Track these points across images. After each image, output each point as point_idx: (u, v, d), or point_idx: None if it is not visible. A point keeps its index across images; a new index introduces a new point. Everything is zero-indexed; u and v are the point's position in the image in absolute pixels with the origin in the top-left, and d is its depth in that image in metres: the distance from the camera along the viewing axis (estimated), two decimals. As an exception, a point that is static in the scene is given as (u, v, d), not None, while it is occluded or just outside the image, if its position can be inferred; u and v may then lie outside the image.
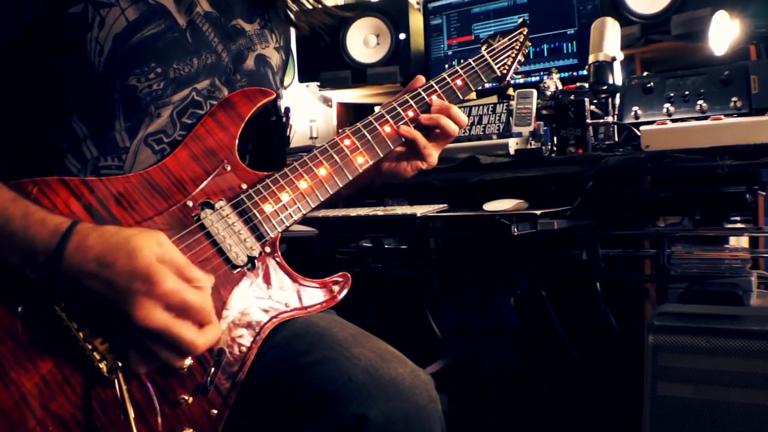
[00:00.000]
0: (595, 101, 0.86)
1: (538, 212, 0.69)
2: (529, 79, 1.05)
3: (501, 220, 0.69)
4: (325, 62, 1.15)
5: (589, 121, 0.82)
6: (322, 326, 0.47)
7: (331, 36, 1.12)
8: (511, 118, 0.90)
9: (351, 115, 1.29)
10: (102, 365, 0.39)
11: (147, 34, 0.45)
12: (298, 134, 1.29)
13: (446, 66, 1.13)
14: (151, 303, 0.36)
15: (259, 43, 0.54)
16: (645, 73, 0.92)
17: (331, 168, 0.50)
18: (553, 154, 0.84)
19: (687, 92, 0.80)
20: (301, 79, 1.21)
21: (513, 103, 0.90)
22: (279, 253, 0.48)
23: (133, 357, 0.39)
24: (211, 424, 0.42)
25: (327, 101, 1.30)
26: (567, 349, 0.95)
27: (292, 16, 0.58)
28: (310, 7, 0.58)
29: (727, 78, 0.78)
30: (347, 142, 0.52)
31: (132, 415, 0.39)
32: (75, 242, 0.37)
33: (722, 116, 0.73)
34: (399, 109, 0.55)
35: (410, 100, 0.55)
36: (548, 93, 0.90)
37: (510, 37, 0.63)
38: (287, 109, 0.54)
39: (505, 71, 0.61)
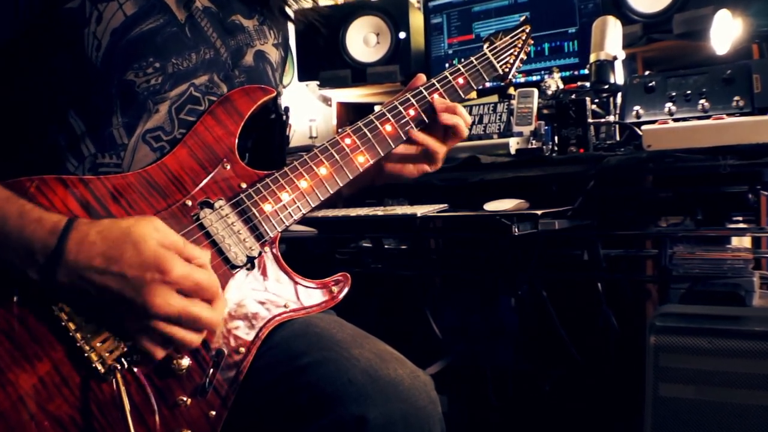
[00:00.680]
0: (596, 100, 0.86)
1: (539, 212, 0.69)
2: (530, 78, 1.05)
3: (502, 220, 0.69)
4: (324, 61, 1.15)
5: (590, 120, 0.82)
6: (321, 327, 0.47)
7: (329, 32, 1.11)
8: (511, 118, 0.90)
9: (351, 114, 1.28)
10: (100, 366, 0.39)
11: (145, 29, 0.45)
12: (298, 133, 1.28)
13: (446, 65, 1.12)
14: (166, 289, 0.37)
15: (258, 39, 0.54)
16: (647, 72, 0.92)
17: (332, 167, 0.50)
18: (554, 154, 0.83)
19: (689, 91, 0.80)
20: (301, 78, 1.21)
21: (514, 102, 0.89)
22: (278, 253, 0.48)
23: (147, 345, 0.39)
24: (210, 426, 0.42)
25: (327, 100, 1.30)
26: (568, 350, 0.95)
27: (290, 12, 0.58)
28: (307, 5, 0.58)
29: (729, 77, 0.78)
30: (348, 140, 0.51)
31: (130, 416, 0.39)
32: (75, 240, 0.37)
33: (724, 115, 0.73)
34: (400, 108, 0.54)
35: (412, 99, 0.55)
36: (549, 92, 0.90)
37: (512, 35, 0.62)
38: (287, 108, 0.54)
39: (507, 69, 0.61)
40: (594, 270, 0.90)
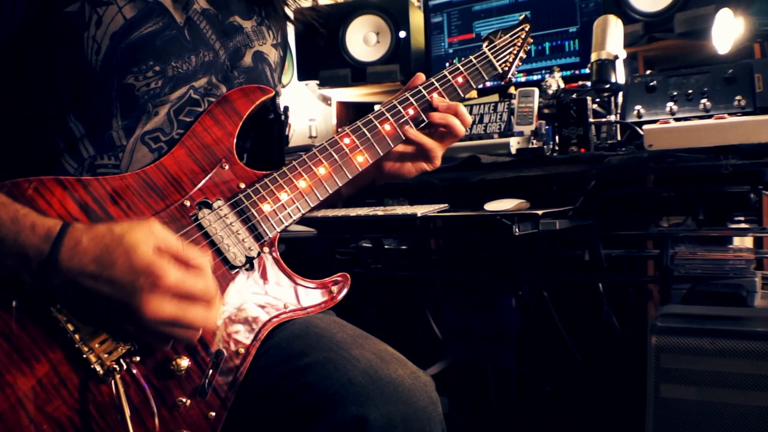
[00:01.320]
0: (597, 100, 0.85)
1: (539, 212, 0.69)
2: (530, 77, 1.05)
3: (502, 221, 0.68)
4: (324, 60, 1.14)
5: (591, 120, 0.81)
6: (321, 327, 0.47)
7: (329, 31, 1.11)
8: (512, 117, 0.89)
9: (350, 113, 1.28)
10: (99, 367, 0.39)
11: (144, 32, 0.45)
12: (297, 133, 1.28)
13: (447, 64, 1.11)
14: (158, 296, 0.37)
15: (256, 39, 0.54)
16: (648, 72, 0.92)
17: (331, 167, 0.50)
18: (555, 154, 0.83)
19: (690, 91, 0.80)
20: (301, 78, 1.21)
21: (514, 101, 0.89)
22: (277, 254, 0.47)
23: (148, 343, 0.39)
24: (209, 427, 0.42)
25: (326, 100, 1.30)
26: (569, 351, 0.95)
27: (289, 12, 0.57)
28: (307, 4, 0.58)
29: (731, 76, 0.78)
30: (347, 140, 0.51)
31: (129, 418, 0.39)
32: (68, 246, 0.37)
33: (726, 115, 0.72)
34: (399, 107, 0.54)
35: (411, 98, 0.55)
36: (550, 91, 0.89)
37: (512, 33, 0.62)
38: (286, 108, 0.54)
39: (506, 68, 0.61)
40: (595, 270, 0.90)
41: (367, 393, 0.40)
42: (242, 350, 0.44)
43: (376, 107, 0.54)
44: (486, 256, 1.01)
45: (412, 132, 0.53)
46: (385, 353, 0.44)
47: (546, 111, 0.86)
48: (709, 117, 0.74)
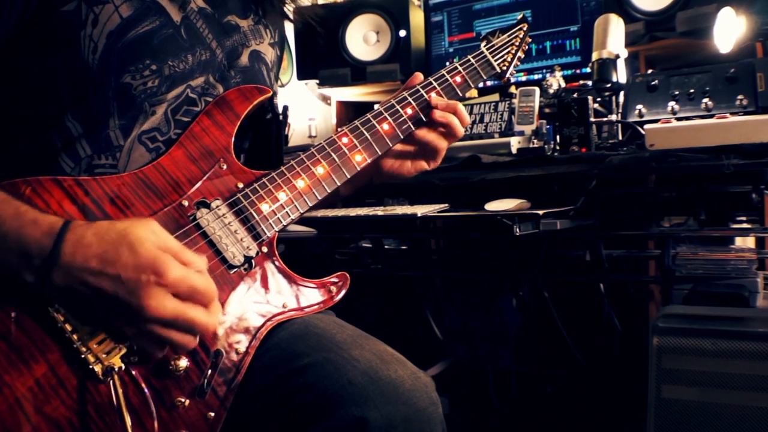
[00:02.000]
0: (598, 99, 0.85)
1: (540, 212, 0.68)
2: (531, 76, 1.04)
3: (503, 221, 0.68)
4: (324, 60, 1.14)
5: (592, 119, 0.81)
6: (320, 327, 0.47)
7: (326, 29, 1.11)
8: (513, 117, 0.89)
9: (350, 113, 1.28)
10: (97, 368, 0.39)
11: (141, 31, 0.45)
12: (297, 133, 1.28)
13: (447, 63, 1.11)
14: (161, 292, 0.36)
15: (253, 38, 0.53)
16: (649, 71, 0.91)
17: (329, 166, 0.50)
18: (555, 153, 0.83)
19: (692, 90, 0.79)
20: (300, 77, 1.20)
21: (515, 101, 0.89)
22: (276, 253, 0.47)
23: (143, 346, 0.39)
24: (209, 427, 0.42)
25: (326, 99, 1.30)
26: (570, 351, 0.95)
27: (287, 11, 0.57)
28: (306, 2, 0.57)
29: (732, 76, 0.78)
30: (345, 140, 0.51)
31: (128, 419, 0.38)
32: (71, 242, 0.37)
33: (728, 114, 0.72)
34: (397, 107, 0.54)
35: (409, 98, 0.55)
36: (551, 91, 0.89)
37: (510, 33, 0.62)
38: (285, 107, 0.54)
39: (504, 68, 0.61)
40: (596, 270, 0.89)
41: (367, 394, 0.40)
42: (241, 350, 0.44)
43: (375, 107, 0.54)
44: (486, 256, 1.01)
45: (416, 132, 0.53)
46: (385, 354, 0.44)
47: (547, 110, 0.86)
48: (711, 116, 0.74)
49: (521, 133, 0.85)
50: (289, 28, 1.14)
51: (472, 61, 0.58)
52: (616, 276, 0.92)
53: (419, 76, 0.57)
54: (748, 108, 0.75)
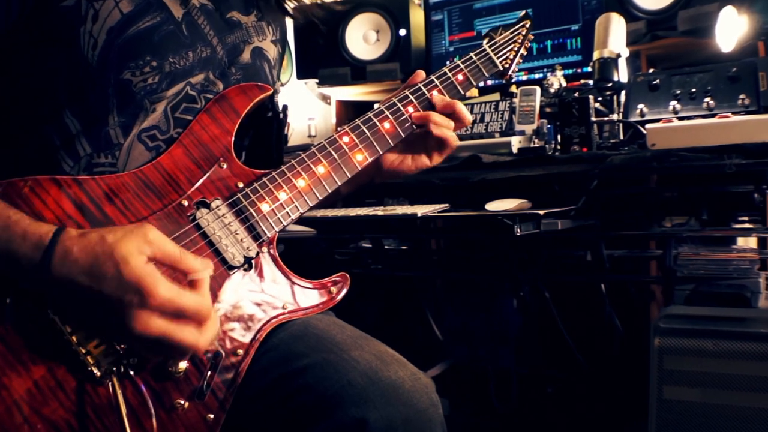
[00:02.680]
0: (599, 99, 0.85)
1: (541, 212, 0.68)
2: (532, 76, 1.04)
3: (504, 221, 0.68)
4: (323, 59, 1.14)
5: (593, 119, 0.80)
6: (320, 328, 0.46)
7: (329, 29, 1.10)
8: (513, 116, 0.89)
9: (350, 112, 1.27)
10: (96, 369, 0.39)
11: (142, 27, 0.44)
12: (296, 132, 1.28)
13: (447, 63, 1.11)
14: (146, 314, 0.35)
15: (256, 35, 0.53)
16: (651, 70, 0.91)
17: (330, 166, 0.49)
18: (556, 153, 0.82)
19: (694, 89, 0.79)
20: (300, 76, 1.20)
21: (516, 100, 0.88)
22: (276, 254, 0.47)
23: (138, 354, 0.39)
24: (208, 429, 0.42)
25: (326, 98, 1.29)
26: (571, 352, 0.94)
27: (288, 7, 0.57)
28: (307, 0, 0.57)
29: (734, 75, 0.77)
30: (346, 139, 0.51)
31: (127, 420, 0.38)
32: (60, 255, 0.36)
33: (730, 114, 0.72)
34: (399, 105, 0.54)
35: (410, 96, 0.54)
36: (552, 90, 0.89)
37: (512, 30, 0.61)
38: (285, 107, 0.53)
39: (507, 65, 0.60)
40: (597, 271, 0.89)
41: (366, 395, 0.40)
42: (241, 351, 0.44)
43: (376, 105, 0.54)
44: (486, 257, 1.01)
45: (433, 115, 0.52)
46: (385, 354, 0.44)
47: (548, 110, 0.85)
48: (713, 116, 0.73)
49: (522, 133, 0.85)
50: (289, 28, 1.13)
51: (475, 58, 0.58)
52: (618, 276, 0.92)
53: (421, 74, 0.56)
54: (750, 107, 0.75)
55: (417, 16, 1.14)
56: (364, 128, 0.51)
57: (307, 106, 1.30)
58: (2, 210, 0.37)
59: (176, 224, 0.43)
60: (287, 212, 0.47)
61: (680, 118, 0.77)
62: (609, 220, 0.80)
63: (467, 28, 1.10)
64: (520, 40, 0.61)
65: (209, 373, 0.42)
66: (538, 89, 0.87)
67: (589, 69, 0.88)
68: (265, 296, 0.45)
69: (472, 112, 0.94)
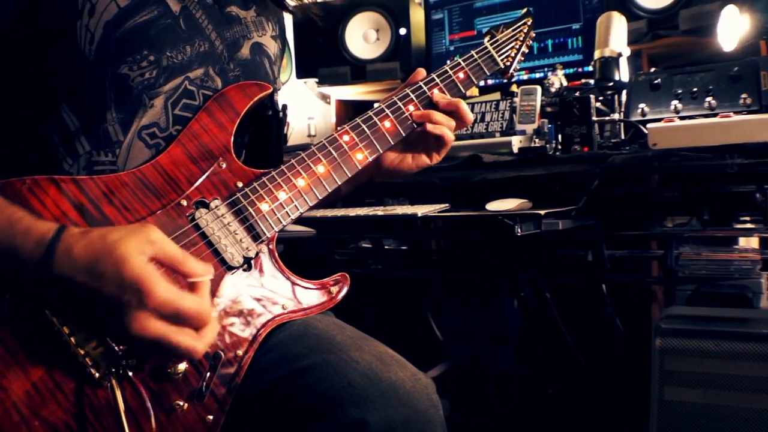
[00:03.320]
0: (600, 98, 0.85)
1: (542, 212, 0.68)
2: (533, 75, 1.04)
3: (504, 220, 0.68)
4: (323, 58, 1.13)
5: (594, 118, 0.80)
6: (320, 329, 0.46)
7: (328, 28, 1.10)
8: (514, 116, 0.88)
9: (350, 112, 1.27)
10: (94, 371, 0.39)
11: (139, 21, 0.44)
12: (296, 132, 1.27)
13: (448, 62, 1.11)
14: (144, 315, 0.35)
15: (255, 30, 0.53)
16: (652, 69, 0.91)
17: (330, 165, 0.49)
18: (557, 153, 0.82)
19: (695, 89, 0.79)
20: (299, 75, 1.20)
21: (516, 100, 0.88)
22: (276, 254, 0.47)
23: (135, 355, 0.39)
24: (207, 430, 0.41)
25: (325, 98, 1.29)
26: (572, 353, 0.94)
27: (287, 3, 0.56)
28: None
29: (736, 74, 0.77)
30: (346, 138, 0.50)
31: (126, 422, 0.38)
32: (61, 253, 0.36)
33: (731, 113, 0.71)
34: (399, 104, 0.53)
35: (411, 94, 0.54)
36: (553, 90, 0.88)
37: (514, 28, 0.61)
38: (284, 106, 0.53)
39: (508, 63, 0.60)
40: (598, 271, 0.89)
41: (366, 395, 0.40)
42: (240, 352, 0.43)
43: (376, 104, 0.54)
44: (487, 257, 1.01)
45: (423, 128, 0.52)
46: (385, 355, 0.44)
47: (548, 109, 0.85)
48: (714, 115, 0.73)
49: (523, 132, 0.85)
50: (288, 27, 1.13)
51: (476, 56, 0.58)
52: (619, 276, 0.92)
53: (422, 72, 0.56)
54: (752, 107, 0.75)
55: (417, 15, 1.13)
56: (364, 127, 0.51)
57: (306, 106, 1.29)
58: (4, 207, 0.37)
59: (175, 224, 0.43)
60: (287, 212, 0.47)
61: (682, 118, 0.76)
62: (610, 220, 0.80)
63: (468, 27, 1.10)
64: (521, 38, 0.61)
65: (208, 374, 0.42)
66: (538, 88, 0.87)
67: (590, 68, 0.88)
68: (264, 296, 0.45)
69: (472, 111, 0.93)
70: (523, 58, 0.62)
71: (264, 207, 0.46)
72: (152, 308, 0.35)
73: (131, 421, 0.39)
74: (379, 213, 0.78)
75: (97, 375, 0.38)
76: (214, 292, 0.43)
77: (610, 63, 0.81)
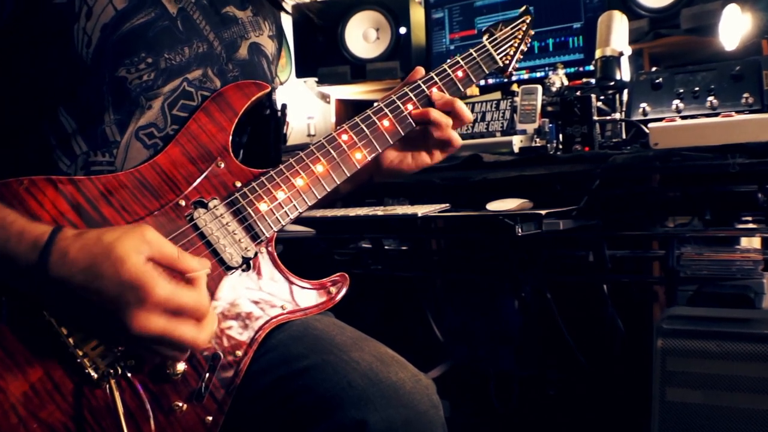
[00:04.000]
0: (601, 97, 0.84)
1: (543, 212, 0.67)
2: (533, 74, 1.04)
3: (505, 220, 0.67)
4: (323, 57, 1.13)
5: (595, 118, 0.80)
6: (319, 329, 0.46)
7: (328, 27, 1.10)
8: (515, 115, 0.88)
9: (350, 111, 1.27)
10: (93, 371, 0.38)
11: (136, 24, 0.44)
12: (296, 131, 1.27)
13: (447, 60, 1.10)
14: (145, 312, 0.35)
15: (252, 30, 0.53)
16: (653, 69, 0.91)
17: (329, 164, 0.49)
18: (558, 152, 0.82)
19: (697, 88, 0.79)
20: (299, 75, 1.19)
21: (517, 99, 0.88)
22: (275, 254, 0.46)
23: (136, 354, 0.38)
24: (206, 431, 0.41)
25: (325, 97, 1.29)
26: (573, 354, 0.94)
27: (284, 4, 0.56)
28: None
29: (738, 73, 0.77)
30: (345, 137, 0.50)
31: (125, 423, 0.38)
32: (57, 255, 0.35)
33: (733, 113, 0.71)
34: (398, 102, 0.53)
35: (410, 93, 0.54)
36: (553, 89, 0.88)
37: (512, 26, 0.61)
38: (284, 106, 0.53)
39: (507, 62, 0.59)
40: (599, 271, 0.89)
41: (367, 396, 0.40)
42: (239, 353, 0.43)
43: (375, 103, 0.53)
44: (487, 257, 1.00)
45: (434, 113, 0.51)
46: (385, 356, 0.44)
47: (549, 109, 0.85)
48: (716, 115, 0.73)
49: (523, 132, 0.85)
50: (288, 27, 1.13)
51: (474, 54, 0.57)
52: (620, 277, 0.91)
53: (420, 71, 0.56)
54: (754, 106, 0.75)
55: (417, 14, 1.13)
56: (362, 126, 0.51)
57: (306, 105, 1.29)
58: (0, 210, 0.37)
59: (173, 224, 0.43)
60: (286, 212, 0.46)
61: (683, 117, 0.76)
62: (611, 220, 0.80)
63: (468, 26, 1.09)
64: (520, 36, 0.60)
65: (207, 374, 0.41)
66: (539, 88, 0.87)
67: (591, 67, 0.87)
68: (263, 297, 0.45)
69: (473, 111, 0.93)
70: (522, 56, 0.61)
71: (263, 207, 0.45)
72: (152, 306, 0.35)
73: (130, 423, 0.39)
74: (379, 213, 0.78)
75: (95, 376, 0.38)
76: (213, 293, 0.42)
77: (611, 62, 0.81)
